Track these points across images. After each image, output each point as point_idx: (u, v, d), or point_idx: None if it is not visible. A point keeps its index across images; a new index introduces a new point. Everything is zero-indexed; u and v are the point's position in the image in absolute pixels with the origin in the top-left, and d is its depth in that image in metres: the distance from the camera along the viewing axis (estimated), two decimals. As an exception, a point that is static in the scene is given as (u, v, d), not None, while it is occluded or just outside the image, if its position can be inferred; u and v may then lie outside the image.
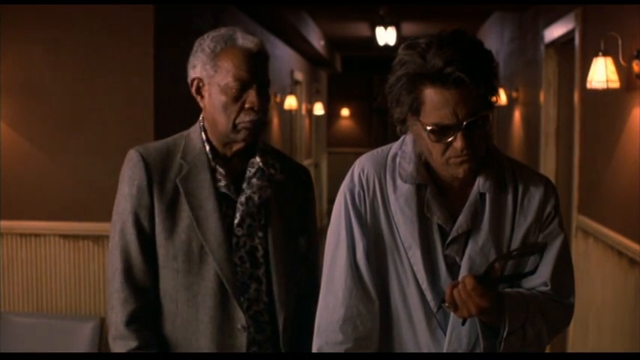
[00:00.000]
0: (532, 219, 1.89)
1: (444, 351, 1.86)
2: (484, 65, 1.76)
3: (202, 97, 2.16)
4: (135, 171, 2.13)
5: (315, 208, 2.40)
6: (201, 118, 2.20)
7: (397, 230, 1.87)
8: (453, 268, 1.86)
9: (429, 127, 1.77)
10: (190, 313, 2.12)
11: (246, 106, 2.10)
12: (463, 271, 1.84)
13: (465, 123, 1.74)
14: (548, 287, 1.89)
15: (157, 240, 2.12)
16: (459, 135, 1.75)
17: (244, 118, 2.10)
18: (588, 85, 4.06)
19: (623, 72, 3.91)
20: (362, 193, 1.90)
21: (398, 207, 1.87)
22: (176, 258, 2.11)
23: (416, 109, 1.77)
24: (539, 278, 1.89)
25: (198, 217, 2.10)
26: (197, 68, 2.14)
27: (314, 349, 1.93)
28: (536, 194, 1.90)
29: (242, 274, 2.14)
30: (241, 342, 2.11)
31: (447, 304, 1.77)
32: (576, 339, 4.85)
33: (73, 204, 4.12)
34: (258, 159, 2.18)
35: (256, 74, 2.11)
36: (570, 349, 4.99)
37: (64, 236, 4.13)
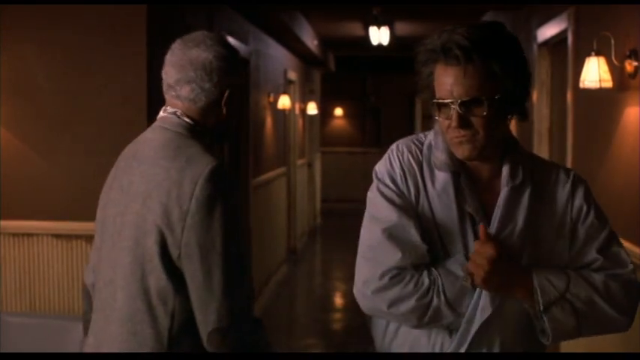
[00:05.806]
0: (557, 214, 1.90)
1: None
2: (493, 51, 1.76)
3: None
4: None
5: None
6: None
7: (434, 216, 1.87)
8: None
9: (433, 101, 1.82)
10: None
11: None
12: None
13: (459, 101, 1.77)
14: (600, 260, 1.87)
15: None
16: (453, 113, 1.78)
17: None
18: (581, 85, 4.07)
19: (616, 72, 3.92)
20: (403, 176, 1.90)
21: (435, 194, 1.88)
22: None
23: (429, 85, 1.83)
24: (588, 256, 1.88)
25: None
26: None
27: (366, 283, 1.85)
28: (557, 189, 1.93)
29: None
30: None
31: (464, 276, 1.79)
32: (569, 338, 4.84)
33: (65, 203, 4.10)
34: None
35: None
36: (563, 349, 4.99)
37: (57, 236, 4.12)
